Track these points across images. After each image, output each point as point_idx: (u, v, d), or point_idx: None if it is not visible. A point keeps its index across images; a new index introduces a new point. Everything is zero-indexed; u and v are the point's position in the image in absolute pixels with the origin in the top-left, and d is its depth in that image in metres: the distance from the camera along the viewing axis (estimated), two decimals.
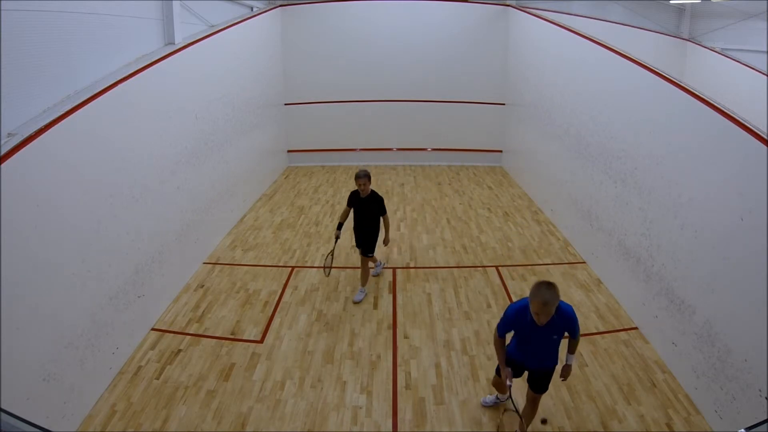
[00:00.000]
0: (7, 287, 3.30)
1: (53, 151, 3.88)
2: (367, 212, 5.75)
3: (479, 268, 6.86)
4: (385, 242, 6.01)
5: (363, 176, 5.54)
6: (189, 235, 6.44)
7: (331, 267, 6.12)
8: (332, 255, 6.08)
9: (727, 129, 4.12)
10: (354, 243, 6.19)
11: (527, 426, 3.90)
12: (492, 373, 4.75)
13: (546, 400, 4.37)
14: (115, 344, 4.66)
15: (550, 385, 4.53)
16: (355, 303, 5.92)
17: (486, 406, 4.33)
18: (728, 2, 10.50)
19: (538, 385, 3.81)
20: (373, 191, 5.71)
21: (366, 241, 5.89)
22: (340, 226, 5.88)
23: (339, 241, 6.12)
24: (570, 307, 3.54)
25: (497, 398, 4.32)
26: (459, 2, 11.29)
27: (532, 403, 3.89)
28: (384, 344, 5.19)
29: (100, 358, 4.41)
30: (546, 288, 3.21)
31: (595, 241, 6.74)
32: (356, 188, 5.67)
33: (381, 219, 5.85)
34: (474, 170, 11.83)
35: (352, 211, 5.84)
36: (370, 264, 6.30)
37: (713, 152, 4.34)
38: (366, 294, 6.09)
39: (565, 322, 3.48)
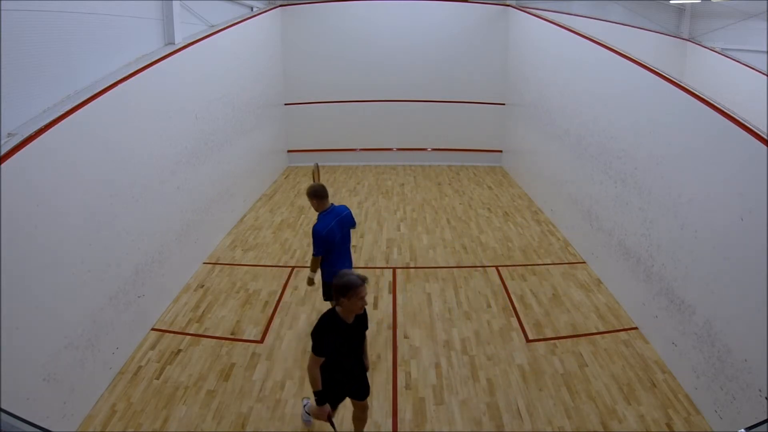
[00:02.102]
0: (7, 287, 3.30)
1: (53, 151, 3.88)
2: (356, 341, 3.34)
3: (479, 268, 6.86)
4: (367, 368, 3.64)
5: (362, 283, 3.07)
6: (189, 235, 6.44)
7: None
8: None
9: (727, 129, 4.12)
10: (336, 393, 3.43)
11: None
12: (490, 375, 4.76)
13: (546, 399, 4.37)
14: (115, 344, 4.66)
15: (551, 385, 4.55)
16: None
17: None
18: (728, 2, 10.50)
19: None
20: None
21: (362, 380, 3.57)
22: (322, 397, 3.18)
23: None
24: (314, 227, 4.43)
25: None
26: (459, 2, 11.30)
27: None
28: (384, 344, 5.19)
29: (100, 358, 4.41)
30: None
31: (595, 241, 6.74)
32: (335, 310, 3.16)
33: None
34: (474, 170, 11.83)
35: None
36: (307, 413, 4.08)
37: (713, 152, 4.33)
38: None
39: None
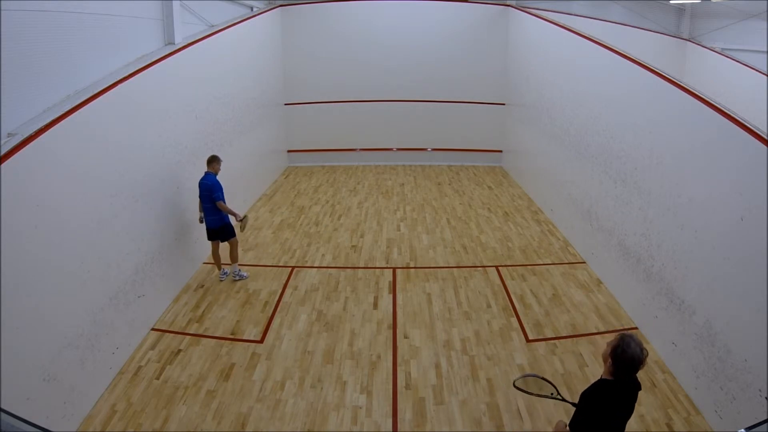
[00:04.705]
0: (7, 287, 3.30)
1: (53, 151, 3.88)
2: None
3: (479, 268, 6.86)
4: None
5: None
6: (189, 235, 6.44)
7: None
8: None
9: (727, 129, 4.12)
10: None
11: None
12: (490, 375, 4.75)
13: (546, 400, 4.34)
14: (115, 344, 4.66)
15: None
16: None
17: None
18: (728, 2, 10.50)
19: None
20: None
21: None
22: None
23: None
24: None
25: None
26: (459, 2, 11.30)
27: None
28: (384, 344, 5.19)
29: (100, 358, 4.41)
30: None
31: (595, 241, 6.74)
32: None
33: None
34: (474, 170, 11.83)
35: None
36: None
37: (713, 152, 4.33)
38: None
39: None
